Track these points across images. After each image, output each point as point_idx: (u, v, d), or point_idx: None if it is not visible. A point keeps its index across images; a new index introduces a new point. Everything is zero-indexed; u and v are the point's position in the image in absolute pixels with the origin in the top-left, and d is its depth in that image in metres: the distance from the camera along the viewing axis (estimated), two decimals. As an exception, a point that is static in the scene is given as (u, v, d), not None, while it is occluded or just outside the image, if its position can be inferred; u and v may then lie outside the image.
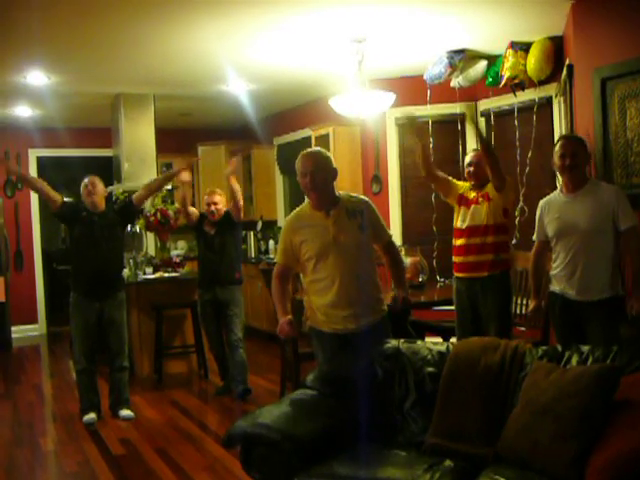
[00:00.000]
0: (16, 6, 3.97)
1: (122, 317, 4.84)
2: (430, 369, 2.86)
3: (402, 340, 3.11)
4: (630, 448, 2.11)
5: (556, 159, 3.42)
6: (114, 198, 6.20)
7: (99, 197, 4.74)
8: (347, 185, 6.14)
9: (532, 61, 5.12)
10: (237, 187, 5.24)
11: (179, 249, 8.74)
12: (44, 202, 5.31)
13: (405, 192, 6.60)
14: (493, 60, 5.57)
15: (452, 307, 4.22)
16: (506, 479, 2.28)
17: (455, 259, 4.12)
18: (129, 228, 5.84)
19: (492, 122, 6.05)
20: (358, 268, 3.18)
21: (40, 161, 8.72)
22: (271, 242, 8.23)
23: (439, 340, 4.63)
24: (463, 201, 4.10)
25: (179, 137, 8.77)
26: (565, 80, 4.59)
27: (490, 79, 5.62)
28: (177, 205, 6.48)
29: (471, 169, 4.09)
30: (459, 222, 4.10)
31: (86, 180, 4.75)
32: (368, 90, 5.21)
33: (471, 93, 6.08)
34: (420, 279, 5.08)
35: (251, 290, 7.37)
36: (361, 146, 6.86)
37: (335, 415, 2.80)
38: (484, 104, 6.14)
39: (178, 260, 6.65)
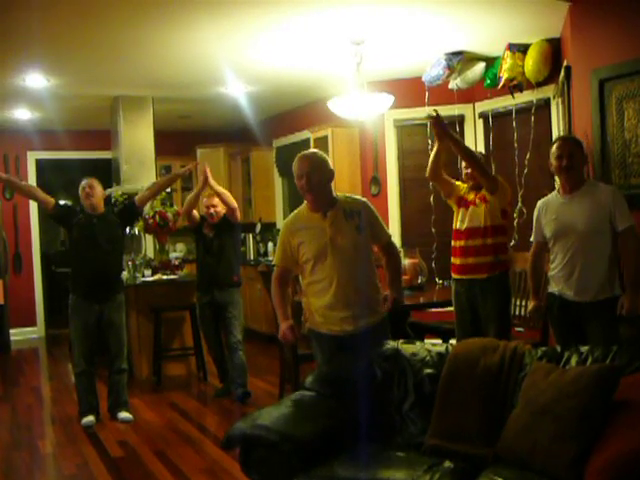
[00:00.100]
0: (15, 8, 3.97)
1: (121, 319, 4.83)
2: (429, 370, 2.86)
3: (401, 341, 3.11)
4: (630, 449, 2.11)
5: (553, 160, 3.43)
6: (113, 200, 6.20)
7: (97, 199, 4.74)
8: (346, 187, 6.15)
9: (530, 63, 5.13)
10: (220, 189, 5.24)
11: (178, 251, 8.74)
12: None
13: (404, 194, 6.61)
14: (491, 62, 5.58)
15: (451, 308, 4.22)
16: (505, 480, 2.28)
17: (454, 260, 4.12)
18: (128, 230, 5.84)
19: (490, 124, 6.06)
20: (356, 269, 3.18)
21: (39, 164, 8.73)
22: (270, 244, 8.23)
23: (438, 341, 4.64)
24: (462, 202, 4.10)
25: (178, 139, 8.78)
26: (563, 81, 4.59)
27: (488, 81, 5.63)
28: (176, 207, 6.49)
29: (468, 171, 4.09)
30: (458, 223, 4.10)
31: (84, 182, 4.76)
32: (366, 92, 5.22)
33: (469, 95, 6.09)
34: (419, 281, 5.08)
35: (250, 292, 7.37)
36: (360, 148, 6.87)
37: (334, 416, 2.80)
38: (482, 106, 6.15)
39: (177, 263, 6.65)
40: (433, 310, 5.13)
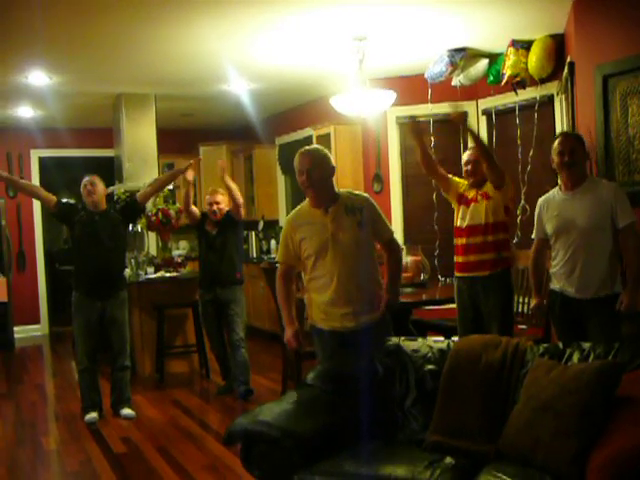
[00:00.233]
0: (17, 6, 3.98)
1: (124, 316, 4.84)
2: (431, 367, 2.86)
3: (403, 338, 3.11)
4: (632, 445, 2.10)
5: (554, 156, 3.41)
6: (115, 198, 6.21)
7: (99, 196, 4.74)
8: (349, 184, 6.14)
9: (533, 59, 5.11)
10: (233, 185, 5.24)
11: (181, 249, 8.74)
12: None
13: (406, 191, 6.59)
14: (494, 58, 5.56)
15: (454, 306, 4.21)
16: (507, 476, 2.27)
17: (456, 258, 4.10)
18: (130, 228, 5.84)
19: (494, 121, 6.04)
20: (357, 265, 3.17)
21: (42, 161, 8.74)
22: (273, 242, 8.23)
23: (441, 339, 4.63)
24: (463, 200, 4.08)
25: (180, 137, 8.78)
26: (567, 78, 4.58)
27: (491, 77, 5.61)
28: (179, 205, 6.49)
29: (469, 167, 4.06)
30: (459, 221, 4.08)
31: (86, 180, 4.76)
32: (369, 89, 5.21)
33: (472, 92, 6.07)
34: (421, 278, 5.07)
35: (253, 290, 7.37)
36: (362, 145, 6.86)
37: (336, 412, 2.79)
38: (485, 103, 6.13)
39: (180, 260, 6.66)
40: (435, 307, 5.12)
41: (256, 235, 8.54)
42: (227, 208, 5.30)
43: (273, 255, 7.82)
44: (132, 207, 4.91)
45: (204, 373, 6.01)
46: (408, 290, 4.79)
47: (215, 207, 5.26)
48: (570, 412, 2.31)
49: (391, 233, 3.36)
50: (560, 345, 2.71)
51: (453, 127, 6.25)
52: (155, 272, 6.34)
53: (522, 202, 5.55)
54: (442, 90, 5.96)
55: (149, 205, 6.49)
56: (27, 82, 5.86)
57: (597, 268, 3.31)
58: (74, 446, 4.32)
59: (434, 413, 2.71)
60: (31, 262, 8.71)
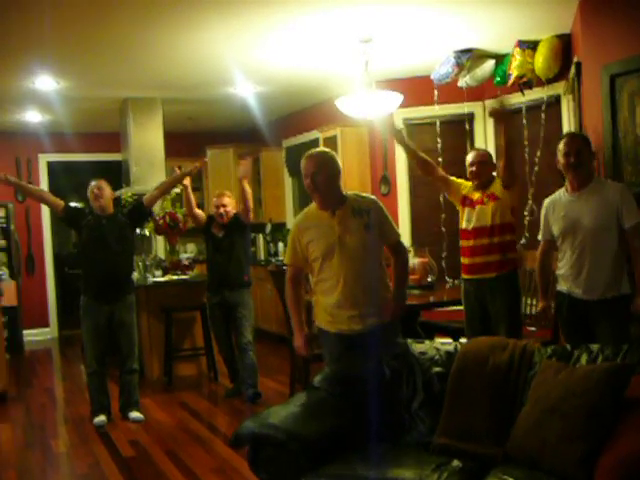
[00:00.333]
0: (24, 11, 4.00)
1: (132, 320, 4.85)
2: (438, 369, 2.85)
3: (410, 340, 3.10)
4: (640, 447, 2.09)
5: (560, 157, 3.40)
6: (122, 202, 6.22)
7: (106, 200, 4.76)
8: (356, 186, 6.14)
9: (540, 59, 5.09)
10: (248, 189, 5.24)
11: (189, 252, 8.76)
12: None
13: (414, 193, 6.57)
14: (501, 59, 5.54)
15: (461, 307, 4.19)
16: (514, 479, 2.26)
17: (463, 260, 4.09)
18: (138, 231, 5.86)
19: (500, 121, 6.02)
20: (364, 268, 3.17)
21: (50, 166, 8.79)
22: (280, 244, 8.23)
23: (449, 341, 4.61)
24: (467, 202, 4.06)
25: (187, 140, 8.80)
26: (573, 78, 4.56)
27: (498, 78, 5.59)
28: (185, 208, 6.50)
29: (473, 169, 4.04)
30: (464, 223, 4.06)
31: (93, 184, 4.79)
32: (375, 91, 5.20)
33: (479, 92, 6.06)
34: (429, 280, 5.06)
35: (261, 292, 7.37)
36: (369, 147, 6.85)
37: (343, 415, 2.79)
38: (492, 103, 6.10)
39: (187, 263, 6.67)
40: (443, 309, 5.11)
41: (264, 238, 8.54)
42: (234, 211, 5.31)
43: (281, 257, 7.82)
44: (138, 211, 4.92)
45: (212, 376, 6.02)
46: (415, 292, 4.78)
47: (222, 210, 5.26)
48: (578, 414, 2.30)
49: (398, 236, 3.35)
50: (568, 347, 2.69)
51: (460, 128, 6.28)
52: (163, 275, 6.36)
53: (530, 203, 5.53)
54: (449, 91, 5.94)
55: (156, 209, 6.52)
56: (35, 87, 5.90)
57: (604, 269, 3.29)
58: (83, 449, 4.33)
59: (441, 416, 2.70)
60: (40, 266, 8.76)
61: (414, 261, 4.97)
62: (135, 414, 4.84)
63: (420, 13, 4.45)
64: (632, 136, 3.83)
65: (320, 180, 3.15)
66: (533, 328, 4.54)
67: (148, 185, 6.41)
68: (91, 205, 4.81)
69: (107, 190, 4.78)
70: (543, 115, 5.47)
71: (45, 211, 8.65)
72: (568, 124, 5.17)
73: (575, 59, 4.59)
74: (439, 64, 5.61)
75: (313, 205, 3.29)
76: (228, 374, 5.59)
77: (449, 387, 2.74)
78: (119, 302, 4.75)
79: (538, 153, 5.50)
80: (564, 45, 5.07)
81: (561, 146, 3.40)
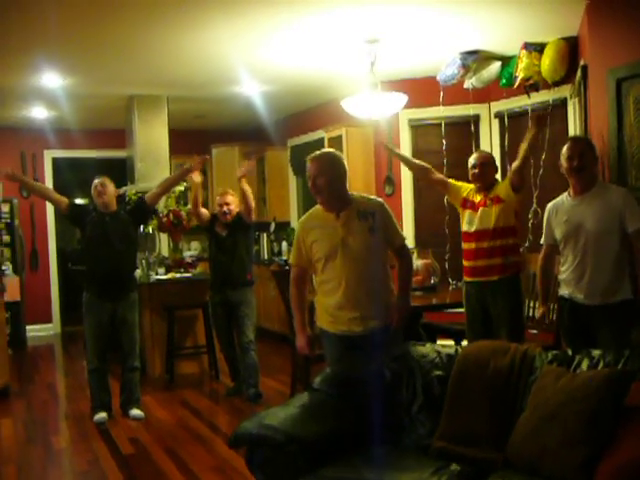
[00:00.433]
0: (31, 8, 4.01)
1: (134, 317, 4.86)
2: (438, 372, 2.84)
3: (411, 342, 3.09)
4: (640, 454, 2.08)
5: (563, 161, 3.38)
6: (127, 199, 6.23)
7: (110, 197, 4.76)
8: (360, 186, 6.13)
9: (546, 62, 5.07)
10: (248, 188, 5.23)
11: (192, 250, 8.77)
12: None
13: (418, 194, 6.57)
14: (507, 61, 5.53)
15: (464, 309, 4.18)
16: (513, 484, 2.26)
17: (465, 263, 4.07)
18: (142, 229, 5.86)
19: (506, 124, 6.01)
20: (367, 271, 3.16)
21: (56, 162, 8.81)
22: (284, 243, 8.23)
23: (451, 343, 4.60)
24: (469, 204, 4.04)
25: (193, 138, 8.80)
26: (580, 81, 4.54)
27: (504, 80, 5.57)
28: (189, 206, 6.50)
29: (476, 171, 4.02)
30: (466, 225, 4.05)
31: (96, 181, 4.79)
32: (380, 91, 5.19)
33: (484, 94, 6.04)
34: (432, 281, 5.05)
35: (264, 292, 7.37)
36: (374, 147, 6.84)
37: (342, 417, 2.78)
38: (498, 105, 6.10)
39: (190, 261, 6.67)
40: (446, 311, 5.09)
41: (267, 237, 8.54)
42: (237, 209, 5.30)
43: (284, 257, 7.82)
44: (141, 209, 4.91)
45: (214, 374, 6.02)
46: (418, 294, 4.77)
47: (225, 208, 5.25)
48: (578, 420, 2.29)
49: (402, 240, 3.34)
50: (569, 352, 2.68)
51: (465, 130, 6.26)
52: (166, 273, 6.35)
53: (534, 206, 5.51)
54: (454, 93, 5.93)
55: (160, 206, 6.52)
56: (41, 83, 5.91)
57: (605, 273, 3.28)
58: (83, 446, 4.34)
59: (441, 419, 2.69)
60: (44, 261, 8.78)
61: (417, 262, 4.96)
62: (136, 411, 4.85)
63: (426, 14, 4.44)
64: (637, 140, 3.81)
65: (321, 182, 3.14)
66: (535, 331, 4.53)
67: (152, 182, 6.39)
68: (95, 202, 4.81)
69: (110, 187, 4.78)
70: (549, 118, 5.44)
71: (50, 207, 8.66)
72: (574, 127, 5.16)
73: (581, 62, 4.57)
74: (445, 65, 5.60)
75: (319, 206, 3.29)
76: (229, 372, 5.59)
77: (449, 390, 2.73)
78: (122, 300, 4.75)
79: (543, 156, 5.48)
80: (571, 48, 5.05)
81: (564, 150, 3.39)
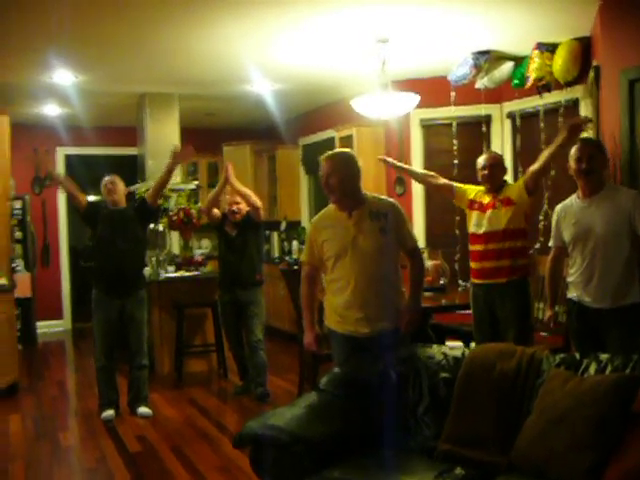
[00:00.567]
0: (44, 6, 4.02)
1: (142, 315, 4.87)
2: (445, 374, 2.82)
3: (418, 344, 3.07)
4: (647, 460, 2.06)
5: (572, 163, 3.35)
6: (137, 197, 6.24)
7: (119, 195, 4.78)
8: (371, 186, 6.04)
9: (559, 62, 5.02)
10: (244, 189, 5.23)
11: (203, 248, 8.79)
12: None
13: (428, 194, 6.52)
14: (519, 61, 5.48)
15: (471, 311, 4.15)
16: (518, 489, 2.24)
17: (473, 265, 4.04)
18: (152, 226, 5.86)
19: (518, 124, 5.96)
20: (377, 271, 3.14)
21: (68, 159, 8.86)
22: (295, 242, 8.22)
23: (459, 344, 4.57)
24: (476, 205, 4.00)
25: (204, 136, 8.80)
26: (592, 82, 4.49)
27: (516, 80, 5.53)
28: (201, 204, 6.51)
29: (485, 172, 3.99)
30: (474, 227, 4.01)
31: (106, 179, 4.81)
32: (391, 91, 5.17)
33: (496, 95, 6.00)
34: (441, 282, 5.03)
35: (274, 291, 7.37)
36: (385, 147, 6.81)
37: (348, 418, 2.77)
38: (509, 106, 6.06)
39: (200, 259, 6.68)
40: (455, 312, 5.07)
41: (278, 235, 8.54)
42: (247, 208, 5.30)
43: (295, 256, 7.81)
44: (143, 208, 4.87)
45: (222, 373, 6.03)
46: (427, 294, 4.75)
47: (235, 207, 5.26)
48: (586, 425, 2.27)
49: (414, 242, 3.31)
50: (577, 356, 2.65)
51: (476, 130, 6.22)
52: (176, 271, 6.37)
53: (545, 207, 5.47)
54: (466, 93, 5.90)
55: (171, 204, 6.54)
56: (53, 81, 5.94)
57: (615, 277, 3.24)
58: (90, 443, 4.36)
59: (446, 421, 2.68)
60: (55, 258, 8.83)
61: (427, 263, 4.94)
62: (143, 409, 4.86)
63: (437, 14, 4.42)
64: (650, 142, 3.78)
65: (334, 182, 3.14)
66: (545, 333, 4.49)
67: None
68: (105, 200, 4.83)
69: (120, 185, 4.80)
70: (561, 119, 5.40)
71: (61, 203, 8.72)
72: (586, 129, 5.10)
73: (594, 63, 4.52)
74: (457, 65, 5.57)
75: (332, 205, 3.28)
76: (238, 371, 5.60)
77: (455, 393, 2.71)
78: (130, 297, 4.77)
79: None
80: (583, 48, 5.00)
81: (573, 151, 3.36)
